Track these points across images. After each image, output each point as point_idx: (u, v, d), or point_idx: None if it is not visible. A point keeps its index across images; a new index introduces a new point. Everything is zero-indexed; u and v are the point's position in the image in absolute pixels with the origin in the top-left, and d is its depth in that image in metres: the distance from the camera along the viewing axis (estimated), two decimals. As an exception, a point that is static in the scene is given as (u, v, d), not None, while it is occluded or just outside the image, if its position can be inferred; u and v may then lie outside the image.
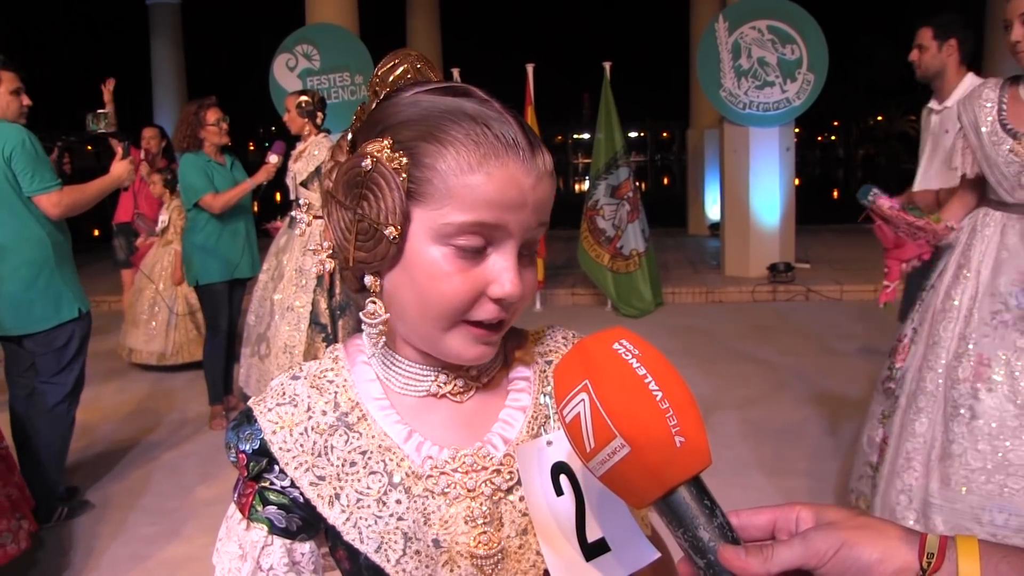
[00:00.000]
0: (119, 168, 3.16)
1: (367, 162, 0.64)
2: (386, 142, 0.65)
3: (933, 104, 3.37)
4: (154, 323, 5.27)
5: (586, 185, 7.02)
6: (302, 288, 3.88)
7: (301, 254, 3.92)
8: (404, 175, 0.64)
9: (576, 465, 0.71)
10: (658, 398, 0.53)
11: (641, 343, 0.56)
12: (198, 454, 3.86)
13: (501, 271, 0.65)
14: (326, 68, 7.42)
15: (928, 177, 3.35)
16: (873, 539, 0.50)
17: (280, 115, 4.22)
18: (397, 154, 0.64)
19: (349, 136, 0.71)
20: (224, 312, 4.17)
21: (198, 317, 5.17)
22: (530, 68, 6.73)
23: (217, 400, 4.26)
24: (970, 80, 3.21)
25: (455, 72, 7.04)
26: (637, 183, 6.87)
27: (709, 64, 7.30)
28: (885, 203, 2.42)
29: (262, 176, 4.07)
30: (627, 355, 0.55)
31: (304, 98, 4.02)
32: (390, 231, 0.64)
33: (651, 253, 6.72)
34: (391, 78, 0.71)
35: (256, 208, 4.38)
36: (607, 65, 6.72)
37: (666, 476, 0.53)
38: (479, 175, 0.63)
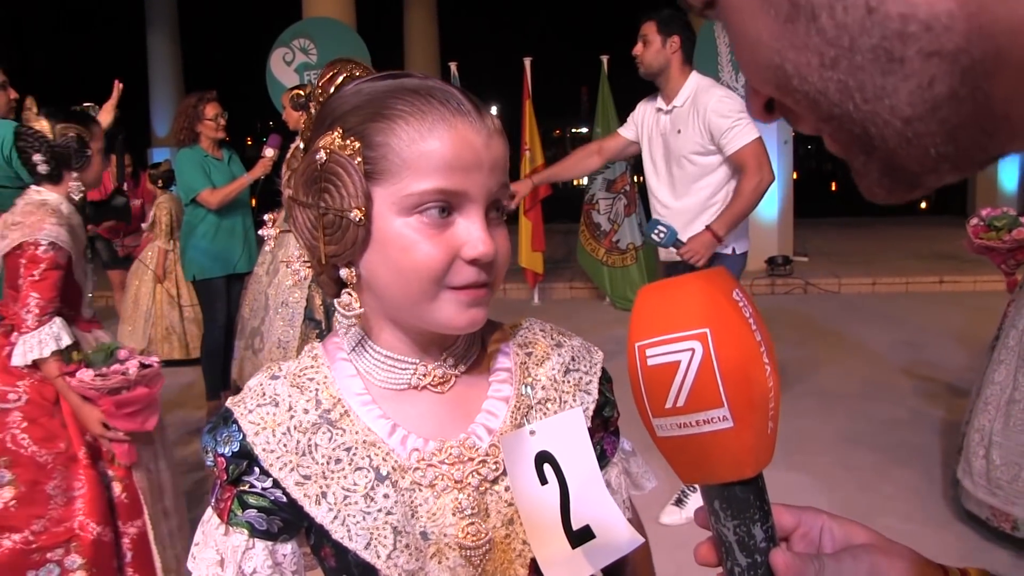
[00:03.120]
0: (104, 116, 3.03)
1: (320, 155, 0.66)
2: (336, 133, 0.66)
3: (660, 103, 3.12)
4: (136, 317, 5.32)
5: (584, 180, 7.03)
6: (296, 283, 3.88)
7: (296, 248, 3.91)
8: (359, 158, 0.65)
9: (561, 455, 0.71)
10: (767, 372, 0.46)
11: (747, 294, 0.48)
12: (195, 450, 3.87)
13: (470, 233, 0.66)
14: (323, 62, 7.36)
15: (678, 184, 3.08)
16: (911, 572, 0.49)
17: (277, 109, 4.22)
18: (348, 140, 0.66)
19: (301, 145, 0.73)
20: (222, 307, 4.17)
21: (173, 315, 5.24)
22: (527, 62, 6.72)
23: (214, 395, 4.27)
24: (696, 79, 3.04)
25: (452, 66, 7.03)
26: (635, 177, 6.87)
27: (707, 57, 7.28)
28: (978, 240, 2.81)
29: (259, 171, 4.07)
30: (745, 310, 0.46)
31: (297, 91, 4.02)
32: (355, 214, 0.65)
33: (649, 248, 6.72)
34: (332, 89, 0.72)
35: (254, 202, 4.38)
36: (604, 59, 6.72)
37: (747, 462, 0.46)
38: (431, 141, 0.65)
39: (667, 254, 3.09)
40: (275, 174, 4.18)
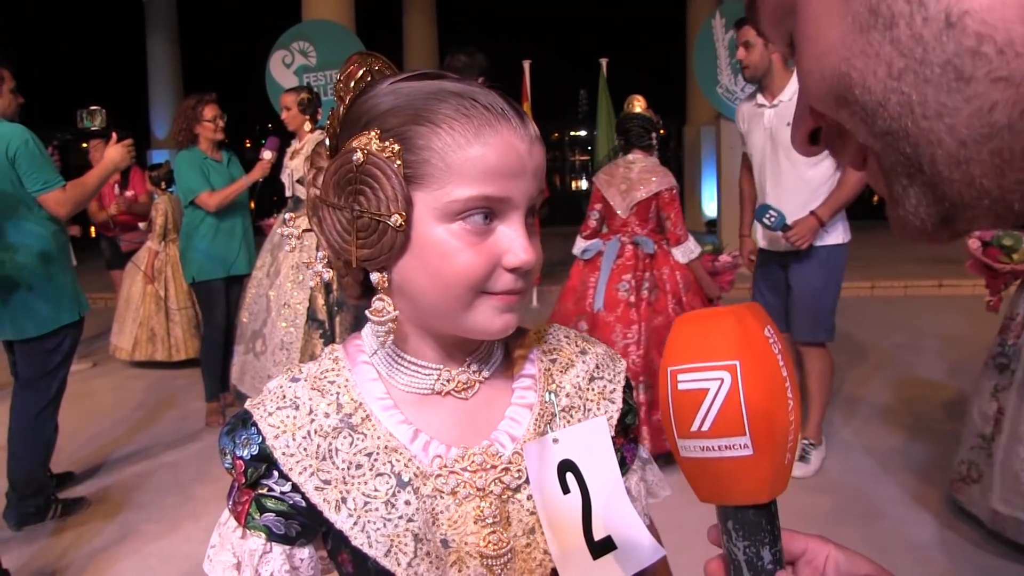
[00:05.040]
0: (113, 152, 3.10)
1: (358, 156, 0.64)
2: (373, 134, 0.65)
3: (762, 100, 3.22)
4: (126, 318, 5.32)
5: (583, 183, 7.04)
6: (299, 284, 3.87)
7: (298, 250, 3.91)
8: (399, 161, 0.63)
9: (584, 464, 0.70)
10: (789, 407, 0.49)
11: (778, 331, 0.51)
12: (195, 451, 3.85)
13: (512, 241, 0.65)
14: (322, 65, 7.40)
15: (786, 176, 3.19)
16: None
17: (276, 111, 4.20)
18: (387, 143, 0.64)
19: (327, 142, 0.71)
20: (221, 309, 4.16)
21: (159, 317, 5.25)
22: (527, 64, 6.72)
23: (213, 397, 4.26)
24: None
25: (452, 69, 7.03)
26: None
27: (706, 61, 7.30)
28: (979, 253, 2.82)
29: (257, 173, 4.07)
30: (774, 346, 0.49)
31: (305, 94, 4.01)
32: (395, 219, 0.63)
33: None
34: (352, 83, 0.70)
35: (253, 204, 4.37)
36: (603, 61, 6.72)
37: (762, 489, 0.49)
38: (477, 147, 0.63)
39: (763, 240, 3.33)
40: (274, 176, 4.18)
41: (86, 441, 4.03)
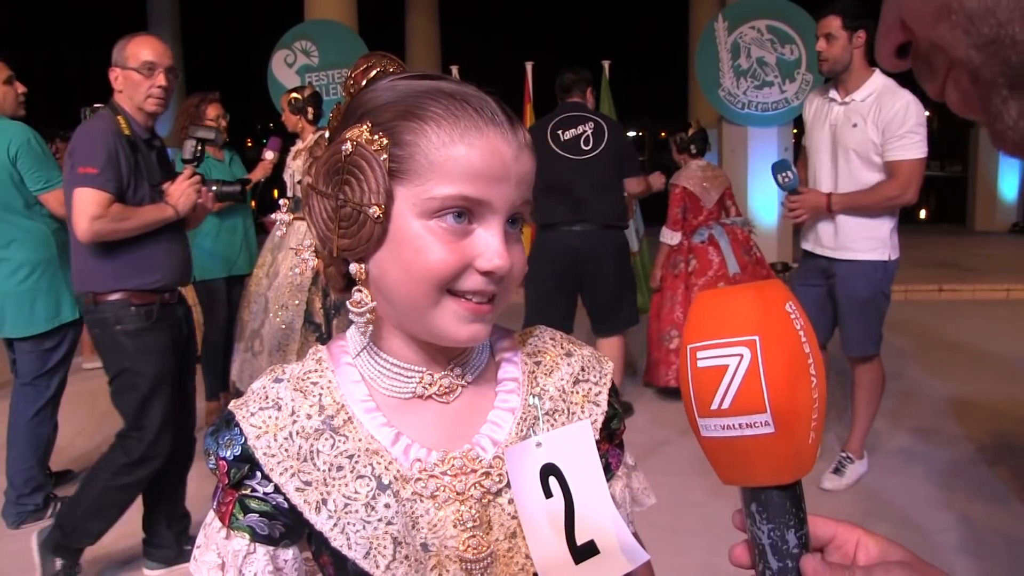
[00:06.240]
0: None
1: (347, 146, 0.65)
2: (365, 126, 0.66)
3: (834, 95, 3.11)
4: None
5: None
6: (297, 286, 3.87)
7: (307, 238, 3.91)
8: (385, 155, 0.64)
9: (567, 468, 0.70)
10: (813, 384, 0.48)
11: (802, 310, 0.49)
12: (196, 450, 3.85)
13: (487, 244, 0.65)
14: (325, 64, 7.40)
15: (842, 178, 3.12)
16: None
17: (278, 111, 4.22)
18: (377, 136, 0.65)
19: (326, 134, 0.72)
20: (222, 308, 4.16)
21: None
22: (529, 66, 6.72)
23: (214, 396, 4.26)
24: (882, 78, 3.01)
25: (454, 69, 7.03)
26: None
27: (708, 64, 7.30)
28: None
29: (259, 173, 4.08)
30: (796, 322, 0.48)
31: (294, 95, 4.02)
32: (374, 210, 0.64)
33: (645, 253, 6.71)
34: (363, 82, 0.71)
35: (254, 204, 4.37)
36: (606, 64, 6.72)
37: (786, 468, 0.48)
38: (461, 147, 0.64)
39: (806, 241, 3.28)
40: (276, 176, 4.19)
41: (85, 439, 4.03)
